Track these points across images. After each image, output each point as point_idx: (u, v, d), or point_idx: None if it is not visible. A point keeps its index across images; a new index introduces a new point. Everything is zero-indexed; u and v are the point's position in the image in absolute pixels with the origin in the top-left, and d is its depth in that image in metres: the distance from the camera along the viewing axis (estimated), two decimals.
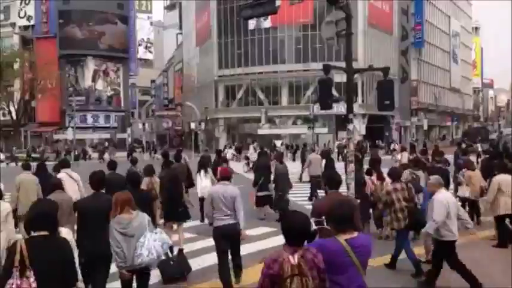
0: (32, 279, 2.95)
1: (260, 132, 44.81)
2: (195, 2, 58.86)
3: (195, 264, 6.95)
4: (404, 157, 14.12)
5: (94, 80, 52.68)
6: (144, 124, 53.45)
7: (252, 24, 45.19)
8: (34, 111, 50.39)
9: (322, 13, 38.47)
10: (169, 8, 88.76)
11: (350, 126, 9.05)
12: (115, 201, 4.40)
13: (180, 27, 69.88)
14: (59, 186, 5.79)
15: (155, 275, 6.55)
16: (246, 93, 49.49)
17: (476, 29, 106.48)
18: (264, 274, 2.77)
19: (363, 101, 44.98)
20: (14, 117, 44.40)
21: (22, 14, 52.52)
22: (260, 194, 10.60)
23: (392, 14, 53.89)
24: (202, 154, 14.94)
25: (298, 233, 2.80)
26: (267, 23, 45.78)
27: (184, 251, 7.42)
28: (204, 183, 9.36)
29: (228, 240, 5.72)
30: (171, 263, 5.16)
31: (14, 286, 2.93)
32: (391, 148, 33.62)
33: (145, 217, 4.42)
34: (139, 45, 74.13)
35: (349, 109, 9.05)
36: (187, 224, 10.05)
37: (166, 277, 5.96)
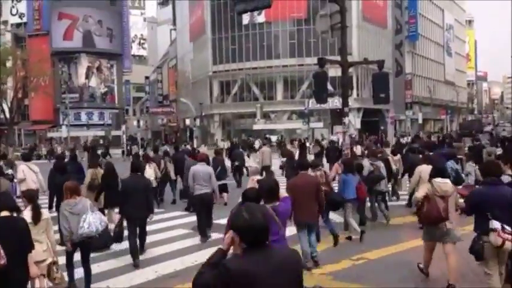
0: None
1: (255, 127, 44.75)
2: None
3: (191, 259, 7.01)
4: (358, 149, 16.48)
5: (87, 77, 52.35)
6: (138, 121, 53.24)
7: (246, 19, 45.01)
8: (27, 109, 50.05)
9: (316, 8, 38.35)
10: (163, 3, 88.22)
11: (345, 120, 9.04)
12: (65, 189, 5.73)
13: (174, 23, 69.47)
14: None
15: (152, 271, 6.55)
16: (240, 88, 49.39)
17: (470, 22, 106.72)
18: (228, 227, 3.38)
19: (357, 95, 45.01)
20: (8, 115, 44.07)
21: (14, 12, 52.05)
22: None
23: (386, 7, 53.86)
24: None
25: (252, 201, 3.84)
26: (261, 17, 45.62)
27: (180, 247, 7.79)
28: (148, 173, 10.89)
29: (204, 204, 8.36)
30: (98, 236, 5.93)
31: None
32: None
33: (87, 201, 5.81)
34: (133, 41, 73.82)
35: (345, 103, 9.04)
36: (183, 220, 10.07)
37: (94, 248, 6.44)
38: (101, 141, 44.39)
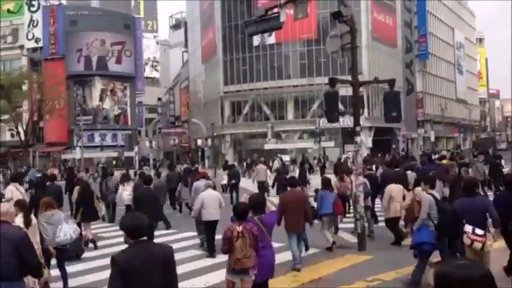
0: None
1: (266, 147, 44.78)
2: (200, 20, 59.62)
3: (203, 281, 7.01)
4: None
5: (101, 99, 53.16)
6: (151, 142, 53.62)
7: (256, 40, 45.57)
8: (42, 132, 50.79)
9: (326, 28, 38.73)
10: (175, 27, 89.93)
11: (357, 139, 9.04)
12: (41, 203, 6.73)
13: (186, 45, 70.64)
14: None
15: None
16: (251, 108, 49.67)
17: (481, 40, 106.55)
18: (224, 236, 4.92)
19: (368, 114, 44.92)
20: (23, 137, 44.79)
21: (30, 36, 53.41)
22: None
23: (396, 27, 54.17)
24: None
25: (241, 214, 4.97)
26: (271, 39, 46.16)
27: (192, 268, 7.82)
28: (126, 192, 12.10)
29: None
30: (68, 246, 6.79)
31: None
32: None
33: (61, 213, 6.93)
34: (146, 64, 75.01)
35: (356, 122, 9.05)
36: (195, 241, 10.03)
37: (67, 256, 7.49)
38: (114, 162, 44.74)
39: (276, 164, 30.67)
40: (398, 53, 54.81)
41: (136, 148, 41.39)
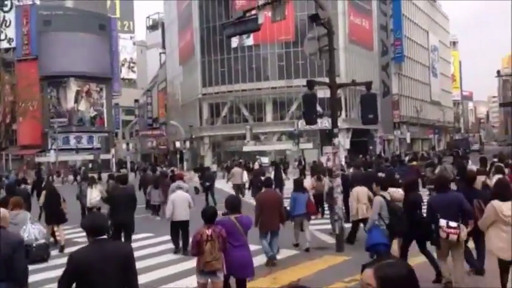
0: None
1: (245, 149, 44.75)
2: (178, 21, 59.21)
3: (185, 283, 6.93)
4: None
5: (77, 101, 52.20)
6: (128, 144, 52.99)
7: (235, 42, 45.55)
8: (15, 134, 49.54)
9: (304, 30, 38.98)
10: (152, 28, 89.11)
11: (335, 141, 9.10)
12: (10, 202, 6.81)
13: (163, 46, 70.04)
14: None
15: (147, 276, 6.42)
16: (230, 110, 49.57)
17: (454, 43, 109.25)
18: (194, 240, 5.16)
19: (346, 116, 45.40)
20: None
21: (3, 37, 52.04)
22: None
23: (372, 30, 54.99)
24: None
25: (209, 218, 5.17)
26: (249, 40, 46.21)
27: (172, 272, 7.69)
28: (93, 194, 12.10)
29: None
30: (34, 249, 6.87)
31: None
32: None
33: (27, 214, 7.05)
34: (123, 65, 74.11)
35: (334, 124, 9.12)
36: (172, 245, 9.91)
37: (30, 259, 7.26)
38: (90, 165, 43.99)
39: (257, 166, 31.33)
40: (375, 56, 55.63)
41: (113, 151, 40.89)
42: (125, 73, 77.45)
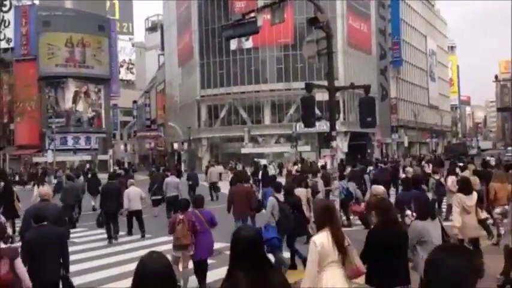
0: None
1: (243, 151, 44.76)
2: (177, 23, 59.28)
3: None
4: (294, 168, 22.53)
5: (75, 101, 52.08)
6: (125, 145, 52.92)
7: (233, 44, 45.60)
8: (13, 134, 49.42)
9: (303, 33, 39.12)
10: (151, 29, 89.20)
11: (333, 144, 9.14)
12: None
13: (162, 48, 70.07)
14: None
15: None
16: (228, 112, 49.59)
17: (452, 47, 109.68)
18: (172, 221, 6.91)
19: (344, 119, 45.50)
20: None
21: (1, 37, 51.87)
22: (154, 197, 15.12)
23: (370, 34, 55.16)
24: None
25: (183, 207, 6.90)
26: (248, 43, 46.28)
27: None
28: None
29: (171, 204, 12.51)
30: None
31: None
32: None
33: None
34: (121, 66, 74.06)
35: (332, 127, 9.16)
36: (167, 246, 9.90)
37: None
38: (87, 166, 43.86)
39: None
40: (373, 60, 55.79)
41: (110, 151, 40.79)
42: (123, 74, 77.39)
